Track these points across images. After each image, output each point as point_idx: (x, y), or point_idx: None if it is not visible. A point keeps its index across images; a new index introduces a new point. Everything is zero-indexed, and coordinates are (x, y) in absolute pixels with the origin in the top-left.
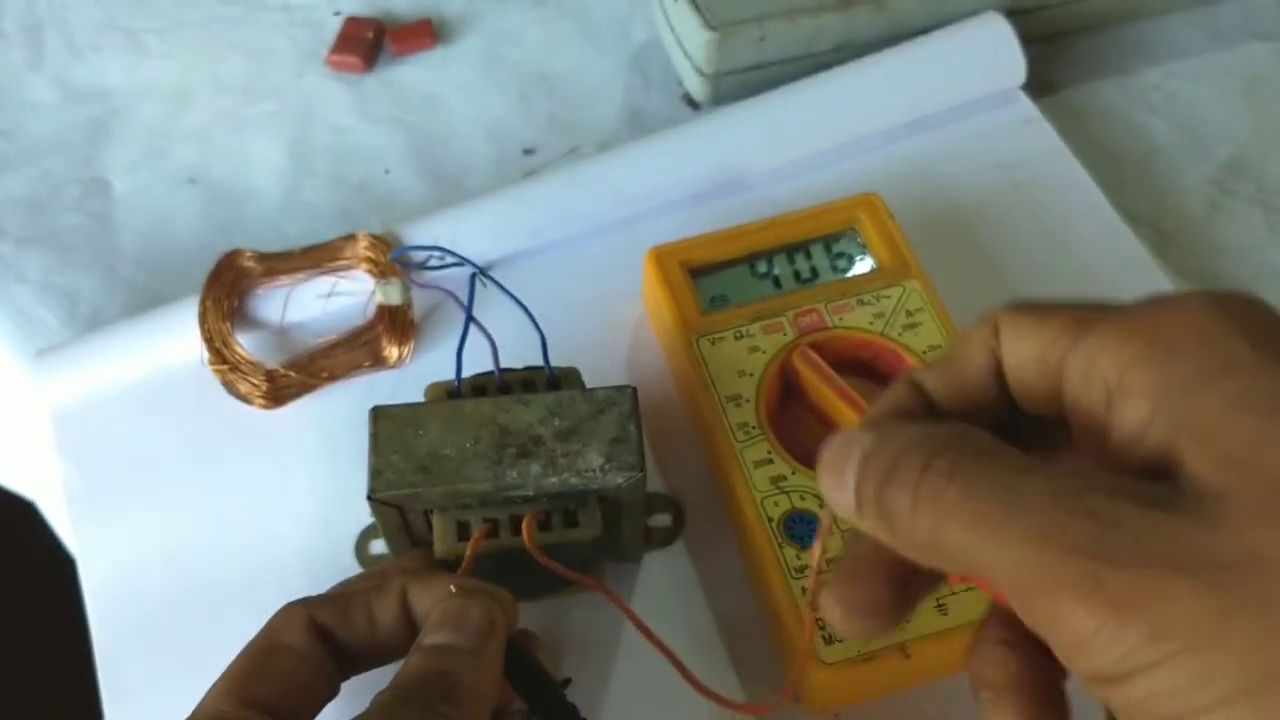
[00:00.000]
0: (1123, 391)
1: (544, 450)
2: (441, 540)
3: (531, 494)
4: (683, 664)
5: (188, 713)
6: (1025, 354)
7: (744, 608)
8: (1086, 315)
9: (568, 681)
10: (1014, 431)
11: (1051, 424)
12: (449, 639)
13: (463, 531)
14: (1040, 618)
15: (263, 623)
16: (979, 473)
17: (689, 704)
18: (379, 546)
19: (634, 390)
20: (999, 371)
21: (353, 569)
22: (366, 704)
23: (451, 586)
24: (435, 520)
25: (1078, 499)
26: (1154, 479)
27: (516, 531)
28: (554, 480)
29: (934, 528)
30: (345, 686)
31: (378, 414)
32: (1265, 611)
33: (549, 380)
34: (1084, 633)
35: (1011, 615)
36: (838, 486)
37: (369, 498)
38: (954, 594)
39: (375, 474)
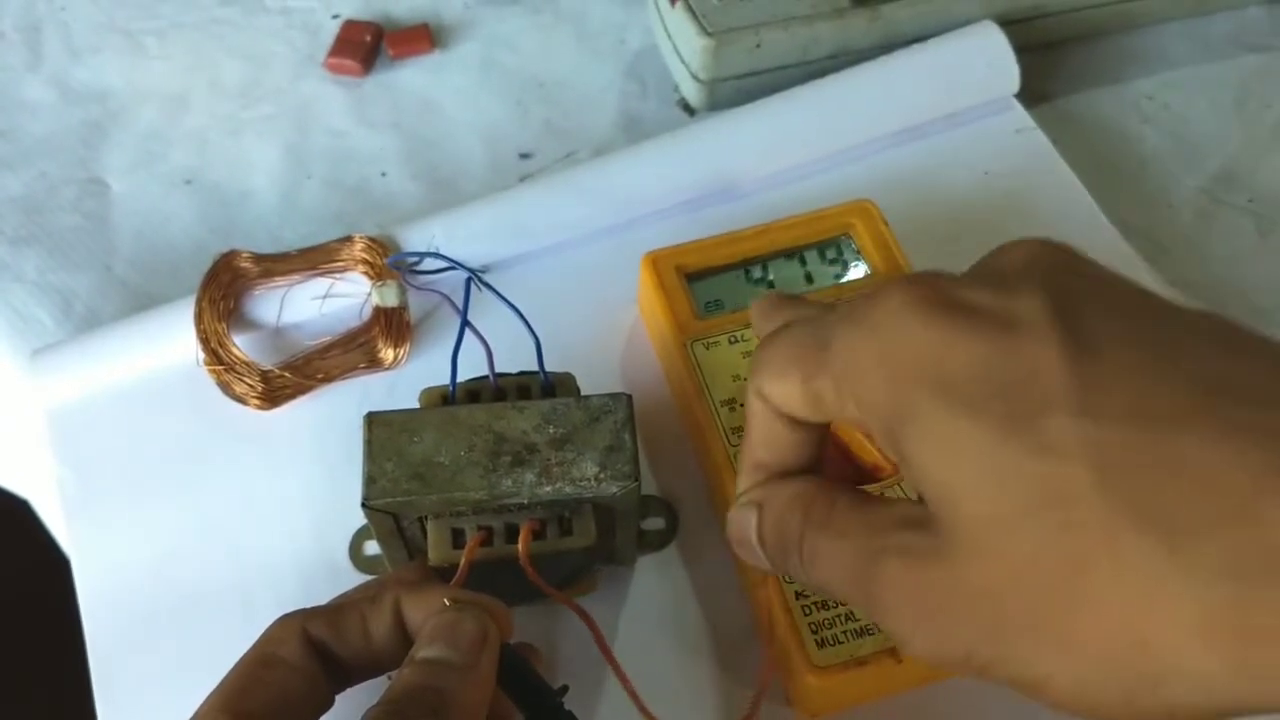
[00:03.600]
0: (866, 429)
1: (539, 458)
2: (436, 548)
3: (526, 502)
4: (635, 692)
5: (182, 714)
6: (797, 407)
7: (736, 611)
8: (812, 357)
9: (565, 689)
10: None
11: None
12: (441, 653)
13: (457, 539)
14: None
15: (256, 624)
16: (822, 554)
17: (684, 709)
18: (373, 548)
19: (629, 398)
20: (795, 420)
21: (347, 570)
22: (360, 715)
23: (445, 599)
24: (430, 528)
25: (873, 569)
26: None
27: (511, 539)
28: (548, 489)
29: (828, 592)
30: (340, 697)
31: (372, 420)
32: (1005, 620)
33: (544, 386)
34: (926, 663)
35: None
36: (754, 559)
37: (363, 505)
38: None
39: (370, 481)
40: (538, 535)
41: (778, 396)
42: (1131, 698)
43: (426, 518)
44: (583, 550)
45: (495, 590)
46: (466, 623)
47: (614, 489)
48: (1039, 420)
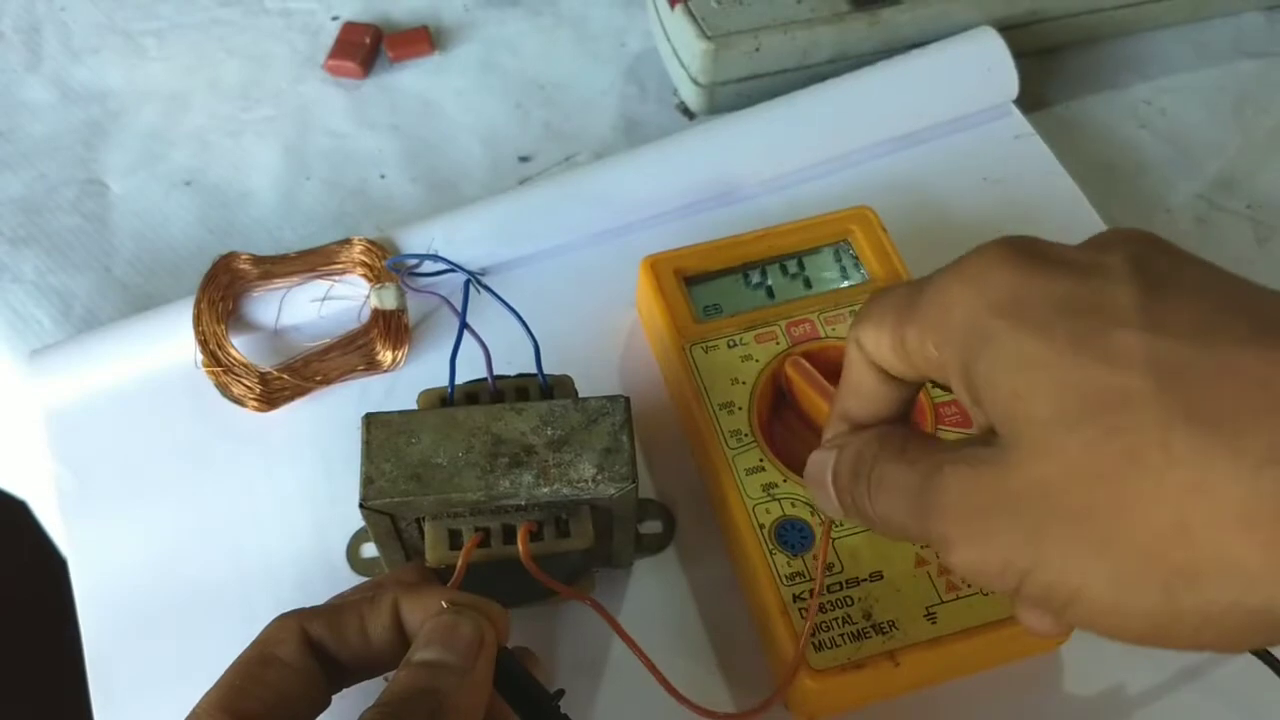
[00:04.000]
0: (944, 373)
1: (536, 460)
2: (433, 549)
3: (523, 503)
4: (665, 678)
5: (178, 714)
6: (887, 356)
7: (734, 614)
8: (905, 305)
9: (561, 693)
10: None
11: None
12: (438, 656)
13: (454, 540)
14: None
15: (254, 625)
16: (888, 480)
17: (682, 712)
18: (370, 550)
19: (627, 400)
20: (885, 374)
21: (344, 572)
22: (357, 714)
23: (443, 601)
24: (427, 529)
25: (932, 478)
26: (991, 431)
27: (508, 540)
28: (546, 490)
29: (885, 519)
30: (337, 698)
31: (370, 421)
32: (1050, 519)
33: (542, 388)
34: (965, 573)
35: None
36: (825, 499)
37: (361, 505)
38: (943, 603)
39: (367, 482)
40: (535, 537)
41: (870, 343)
42: (1170, 595)
43: (424, 519)
44: (580, 552)
45: (493, 592)
46: (464, 626)
47: (611, 490)
48: (1107, 335)
